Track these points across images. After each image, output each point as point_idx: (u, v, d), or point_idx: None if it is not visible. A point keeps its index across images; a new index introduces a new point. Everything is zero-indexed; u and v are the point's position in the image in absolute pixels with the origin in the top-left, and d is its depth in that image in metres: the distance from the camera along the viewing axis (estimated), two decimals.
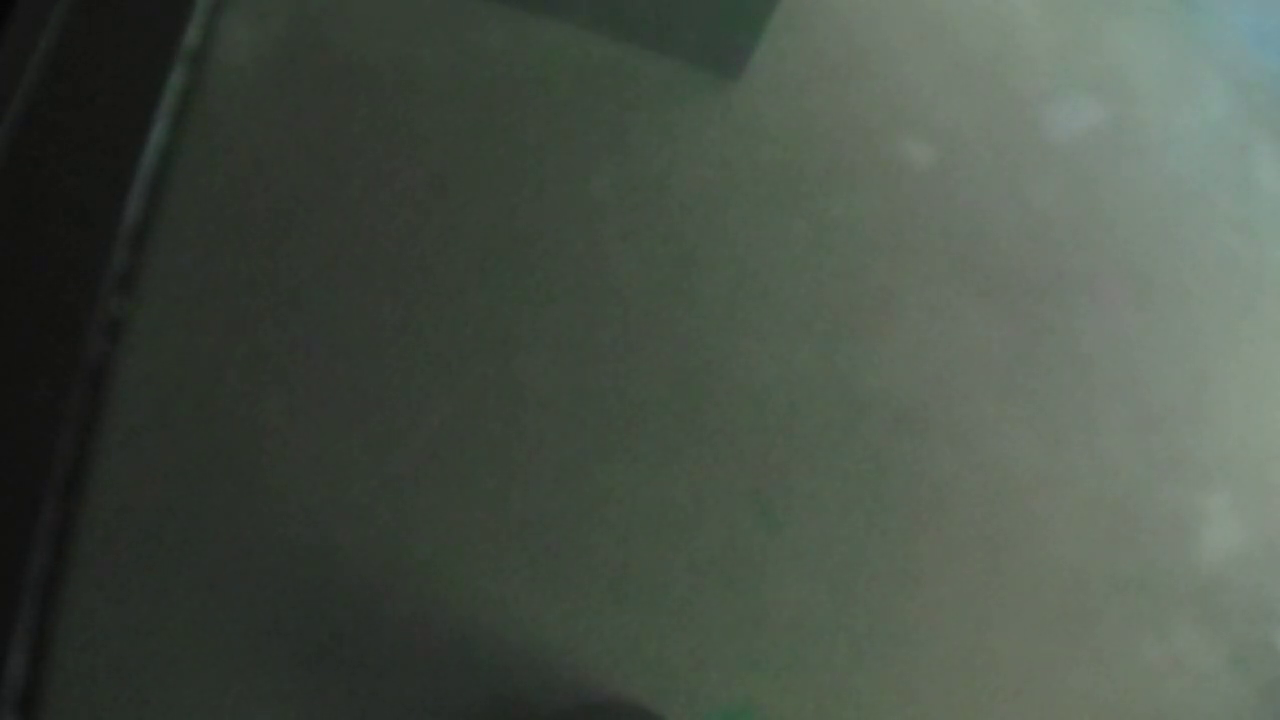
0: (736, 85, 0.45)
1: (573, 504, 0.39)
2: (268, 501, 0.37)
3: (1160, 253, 0.45)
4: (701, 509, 0.37)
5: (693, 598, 0.39)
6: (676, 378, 0.40)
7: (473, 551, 0.38)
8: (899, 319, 0.41)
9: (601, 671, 0.41)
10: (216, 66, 0.38)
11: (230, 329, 0.36)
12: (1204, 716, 0.44)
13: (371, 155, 0.39)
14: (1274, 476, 0.46)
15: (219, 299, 0.36)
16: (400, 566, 0.38)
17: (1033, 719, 0.47)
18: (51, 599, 0.35)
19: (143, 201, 0.36)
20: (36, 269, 0.35)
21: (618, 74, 0.42)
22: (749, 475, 0.40)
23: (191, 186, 0.37)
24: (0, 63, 0.36)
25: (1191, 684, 0.45)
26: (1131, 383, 0.43)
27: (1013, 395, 0.42)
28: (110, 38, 0.37)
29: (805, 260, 0.42)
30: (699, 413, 0.40)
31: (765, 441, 0.40)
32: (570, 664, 0.40)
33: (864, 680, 0.46)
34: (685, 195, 0.43)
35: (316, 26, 0.40)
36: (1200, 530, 0.43)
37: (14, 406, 0.34)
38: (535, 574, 0.38)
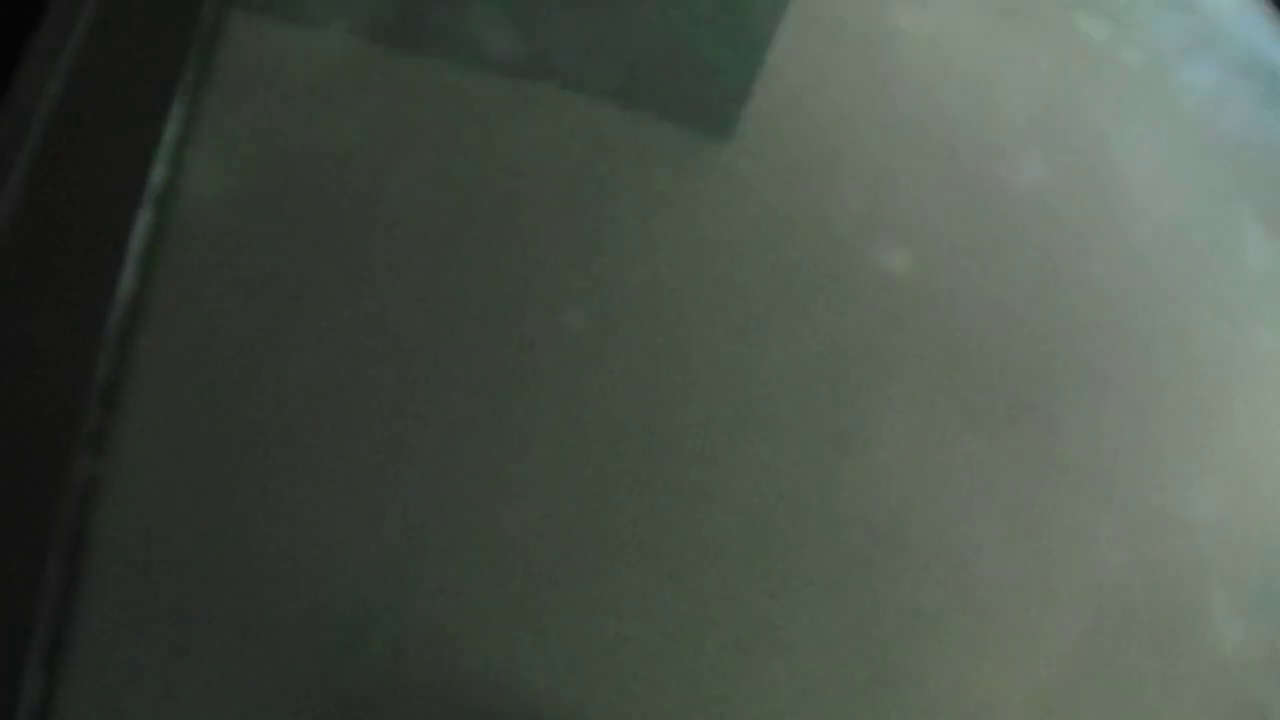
0: (707, 188, 0.45)
1: (559, 633, 0.39)
2: (256, 631, 0.37)
3: (1145, 345, 0.45)
4: (684, 639, 0.37)
5: None
6: (652, 501, 0.39)
7: (464, 679, 0.38)
8: (880, 436, 0.41)
9: None
10: (185, 206, 0.38)
11: (208, 482, 0.35)
12: None
13: (347, 292, 0.39)
14: (1272, 577, 0.45)
15: (196, 450, 0.35)
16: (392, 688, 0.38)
17: None
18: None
19: (113, 353, 0.35)
20: (6, 428, 0.35)
21: (593, 177, 0.42)
22: (731, 601, 0.39)
23: (163, 333, 0.36)
24: None
25: None
26: (1120, 488, 0.43)
27: (998, 510, 0.42)
28: (74, 180, 0.37)
29: (785, 373, 0.42)
30: (677, 538, 0.39)
31: (746, 566, 0.40)
32: None
33: None
34: (660, 311, 0.43)
35: (288, 160, 0.39)
36: (1195, 640, 0.43)
37: None
38: (520, 700, 0.38)
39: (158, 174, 0.38)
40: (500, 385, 0.40)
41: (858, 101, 0.48)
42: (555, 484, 0.39)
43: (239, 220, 0.40)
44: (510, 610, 0.38)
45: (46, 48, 0.39)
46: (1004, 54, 0.51)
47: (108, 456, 0.35)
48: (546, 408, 0.39)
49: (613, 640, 0.37)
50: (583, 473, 0.39)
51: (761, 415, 0.41)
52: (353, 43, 0.45)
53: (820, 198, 0.45)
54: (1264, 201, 0.50)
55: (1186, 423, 0.44)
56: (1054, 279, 0.45)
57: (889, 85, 0.49)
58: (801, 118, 0.47)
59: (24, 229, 0.37)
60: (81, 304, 0.36)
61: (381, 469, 0.38)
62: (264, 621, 0.36)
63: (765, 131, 0.47)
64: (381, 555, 0.37)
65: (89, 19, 0.42)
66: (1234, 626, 0.42)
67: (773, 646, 0.38)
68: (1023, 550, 0.40)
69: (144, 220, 0.37)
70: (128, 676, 0.35)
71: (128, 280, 0.36)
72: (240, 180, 0.40)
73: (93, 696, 0.34)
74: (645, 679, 0.37)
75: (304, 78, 0.44)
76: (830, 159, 0.46)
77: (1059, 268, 0.45)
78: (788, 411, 0.41)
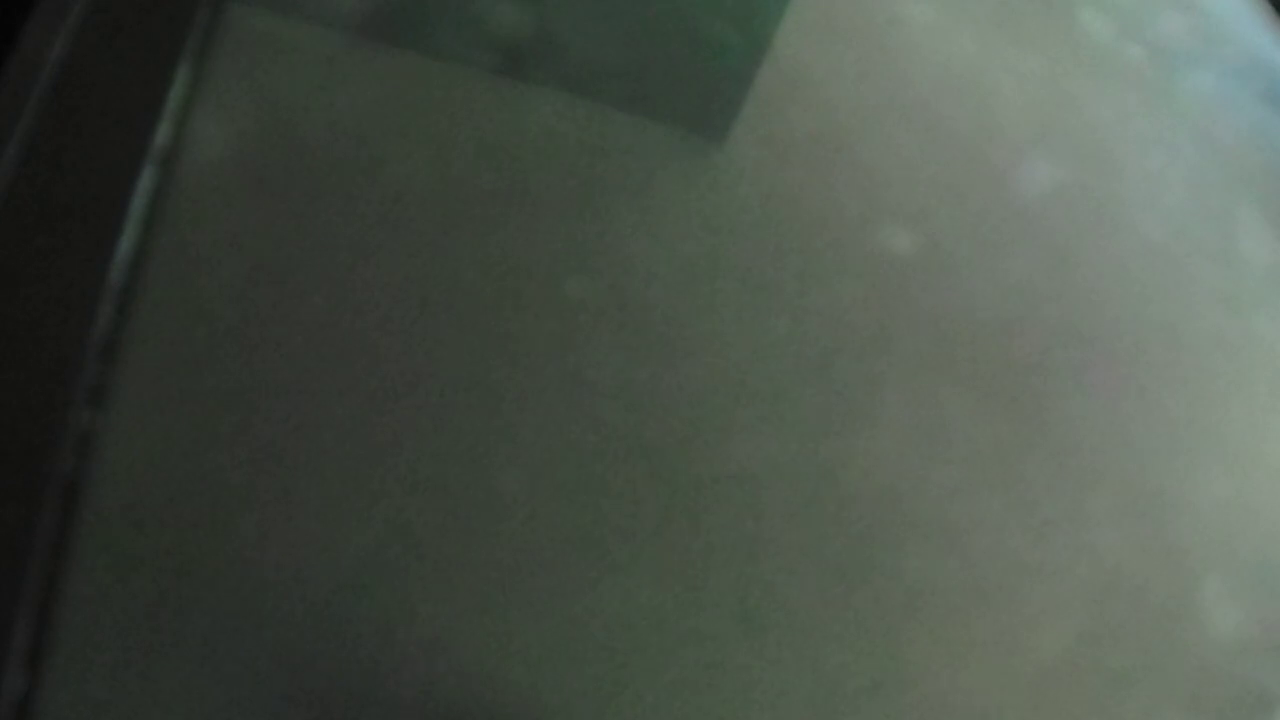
0: (708, 172, 0.45)
1: (554, 617, 0.38)
2: (243, 618, 0.36)
3: (1143, 331, 0.44)
4: (685, 616, 0.37)
5: (678, 709, 0.38)
6: (654, 478, 0.39)
7: (455, 668, 0.37)
8: (881, 412, 0.40)
9: None
10: (188, 167, 0.37)
11: (205, 441, 0.35)
12: None
13: (347, 257, 0.39)
14: (1267, 561, 0.45)
15: (192, 410, 0.35)
16: (375, 687, 0.37)
17: None
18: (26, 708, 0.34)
19: (112, 310, 0.35)
20: (2, 381, 0.34)
21: (595, 160, 0.42)
22: (732, 579, 0.39)
23: (163, 293, 0.36)
24: None
25: None
26: (1118, 469, 0.43)
27: (996, 487, 0.42)
28: (77, 139, 0.37)
29: (785, 354, 0.42)
30: (678, 516, 0.39)
31: (747, 543, 0.39)
32: None
33: None
34: (661, 290, 0.42)
35: (290, 124, 0.39)
36: (1191, 619, 0.43)
37: None
38: (513, 689, 0.37)
39: (160, 136, 0.37)
40: (497, 354, 0.39)
41: (862, 90, 0.48)
42: (554, 466, 0.39)
43: (241, 182, 0.39)
44: (503, 599, 0.37)
45: (52, 9, 0.39)
46: (1008, 48, 0.51)
47: (104, 410, 0.35)
48: (548, 380, 0.39)
49: (611, 616, 0.36)
50: (584, 445, 0.39)
51: (763, 394, 0.41)
52: (358, 15, 0.45)
53: (823, 182, 0.45)
54: (1263, 195, 0.50)
55: (1184, 407, 0.44)
56: (1055, 266, 0.45)
57: (893, 74, 0.49)
58: (808, 102, 0.47)
59: (27, 186, 0.37)
60: (82, 260, 0.35)
61: (374, 440, 0.38)
62: (250, 612, 0.36)
63: (771, 115, 0.47)
64: (376, 530, 0.37)
65: None
66: (1230, 606, 0.42)
67: (770, 619, 0.37)
68: (1019, 527, 0.40)
69: (145, 180, 0.37)
70: (111, 669, 0.34)
71: (128, 238, 0.35)
72: (243, 144, 0.40)
73: (80, 673, 0.33)
74: (643, 656, 0.37)
75: (309, 48, 0.43)
76: (834, 144, 0.46)
77: (1060, 255, 0.45)
78: (791, 391, 0.41)
